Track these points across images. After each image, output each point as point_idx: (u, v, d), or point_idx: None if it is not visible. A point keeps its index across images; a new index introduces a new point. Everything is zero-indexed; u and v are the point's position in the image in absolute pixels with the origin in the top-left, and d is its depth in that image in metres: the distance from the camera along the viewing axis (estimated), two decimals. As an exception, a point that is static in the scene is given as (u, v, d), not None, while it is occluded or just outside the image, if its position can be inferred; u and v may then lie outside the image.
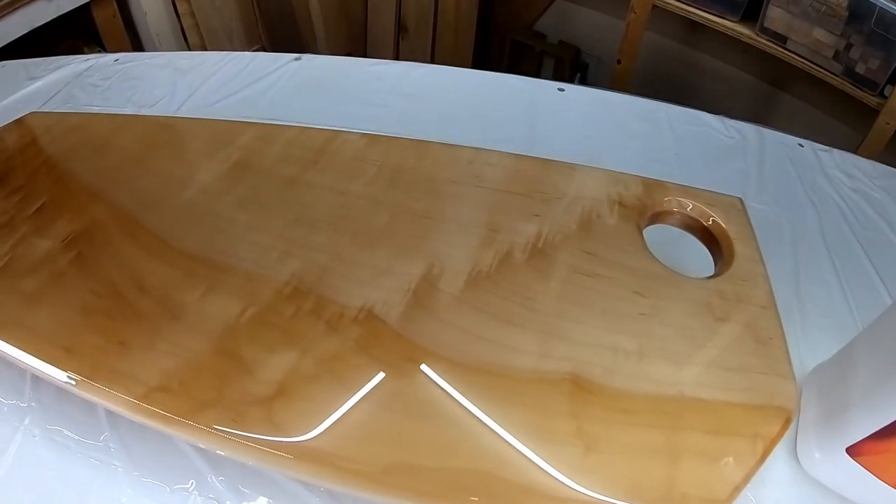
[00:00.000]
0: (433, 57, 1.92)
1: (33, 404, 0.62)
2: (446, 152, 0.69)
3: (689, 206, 0.65)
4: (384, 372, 0.51)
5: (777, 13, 1.48)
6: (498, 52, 2.06)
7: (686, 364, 0.52)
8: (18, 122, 0.87)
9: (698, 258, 0.65)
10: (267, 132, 0.72)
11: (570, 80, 1.97)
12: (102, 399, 0.51)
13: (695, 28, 1.70)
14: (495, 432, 0.48)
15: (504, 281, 0.57)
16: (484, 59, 2.04)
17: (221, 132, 0.73)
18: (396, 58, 1.90)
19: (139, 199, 0.66)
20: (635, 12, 1.54)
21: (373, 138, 0.71)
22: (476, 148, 0.69)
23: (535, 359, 0.52)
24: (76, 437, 0.59)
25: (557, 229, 0.61)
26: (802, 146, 0.94)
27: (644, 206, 0.64)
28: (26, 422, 0.60)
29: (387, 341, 0.52)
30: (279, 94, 1.00)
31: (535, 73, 2.06)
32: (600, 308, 0.55)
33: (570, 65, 1.96)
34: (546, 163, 0.69)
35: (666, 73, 1.89)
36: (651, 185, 0.67)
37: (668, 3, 1.49)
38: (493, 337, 0.53)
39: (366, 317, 0.54)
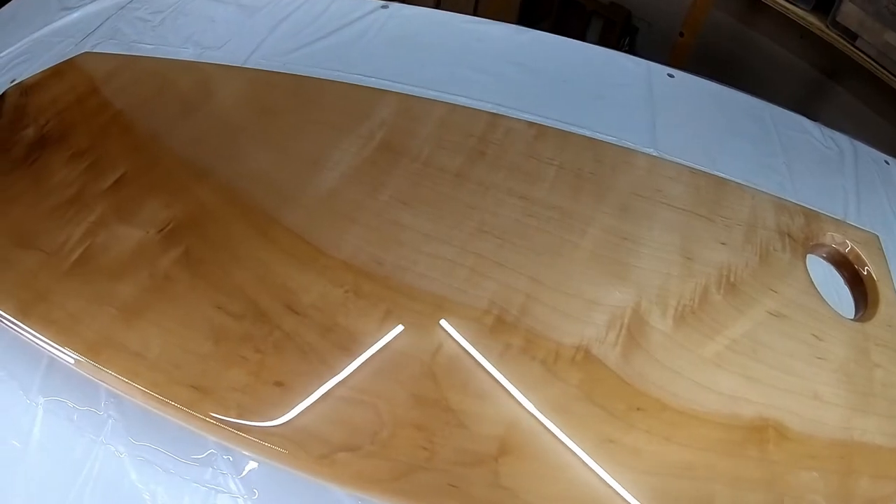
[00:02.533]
0: (477, 5, 1.72)
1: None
2: (622, 157, 0.60)
3: (845, 245, 0.61)
4: (613, 423, 0.42)
5: (851, 9, 1.36)
6: (546, 7, 1.86)
7: (855, 410, 0.49)
8: (70, 63, 0.68)
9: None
10: (410, 105, 0.56)
11: (619, 44, 1.80)
12: (272, 460, 0.39)
13: (756, 7, 1.57)
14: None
15: (707, 318, 0.51)
16: (530, 12, 1.84)
17: (352, 99, 0.57)
18: (437, 4, 1.68)
19: (260, 181, 0.51)
20: None
21: (540, 129, 0.58)
22: (649, 155, 0.61)
23: (732, 401, 0.46)
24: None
25: (743, 261, 0.56)
26: (888, 163, 0.87)
27: (806, 239, 0.60)
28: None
29: (610, 387, 0.44)
30: (371, 46, 0.83)
31: (582, 33, 1.88)
32: (787, 351, 0.51)
33: (619, 27, 1.80)
34: (720, 183, 0.62)
35: (719, 49, 1.76)
36: (811, 217, 0.63)
37: None
38: (704, 381, 0.47)
39: (584, 358, 0.45)
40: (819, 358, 0.50)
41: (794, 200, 0.66)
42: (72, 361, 0.46)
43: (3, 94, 0.69)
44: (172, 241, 0.47)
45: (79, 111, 0.62)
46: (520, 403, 0.42)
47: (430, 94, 0.75)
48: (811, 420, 0.46)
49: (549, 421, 0.41)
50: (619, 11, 1.80)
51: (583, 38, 1.95)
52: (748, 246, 0.57)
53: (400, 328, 0.44)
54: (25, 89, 0.69)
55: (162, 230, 0.48)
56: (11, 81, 0.85)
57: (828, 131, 0.89)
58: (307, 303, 0.44)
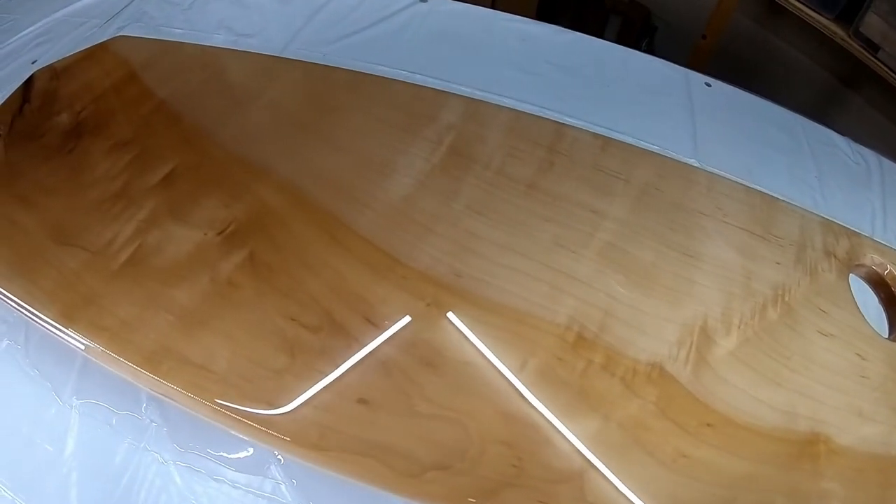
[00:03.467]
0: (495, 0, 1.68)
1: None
2: (684, 174, 0.58)
3: (884, 266, 0.61)
4: (686, 438, 0.42)
5: (874, 20, 1.34)
6: (564, 2, 1.83)
7: (893, 427, 0.49)
8: (103, 47, 0.63)
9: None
10: (475, 110, 0.53)
11: (638, 44, 1.77)
12: (360, 480, 0.36)
13: (777, 11, 1.55)
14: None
15: (766, 336, 0.51)
16: (548, 7, 1.81)
17: (415, 99, 0.54)
18: None
19: (326, 181, 0.48)
20: None
21: (605, 141, 0.57)
22: (708, 173, 0.60)
23: (787, 417, 0.47)
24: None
25: (795, 280, 0.56)
26: (914, 182, 0.88)
27: (849, 259, 0.60)
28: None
29: (683, 404, 0.44)
30: (413, 42, 0.79)
31: (600, 31, 1.84)
32: (835, 369, 0.51)
33: (638, 26, 1.76)
34: (773, 202, 0.62)
35: (737, 51, 1.74)
36: (853, 239, 0.63)
37: None
38: (763, 397, 0.47)
39: (659, 375, 0.45)
40: (862, 377, 0.51)
41: (825, 215, 0.66)
42: (121, 371, 0.42)
43: (31, 77, 0.64)
44: (234, 243, 0.43)
45: (117, 98, 0.57)
46: (602, 419, 0.41)
47: (478, 94, 0.72)
48: (856, 435, 0.47)
49: (629, 437, 0.41)
50: (638, 10, 1.76)
51: (601, 36, 1.93)
52: (799, 266, 0.58)
53: (484, 343, 0.42)
54: (56, 73, 0.63)
55: (222, 232, 0.44)
56: (32, 62, 0.79)
57: (855, 146, 0.88)
58: (387, 315, 0.41)
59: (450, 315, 0.43)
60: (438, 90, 0.55)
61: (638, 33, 1.75)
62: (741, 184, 0.63)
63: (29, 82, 0.64)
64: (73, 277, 0.45)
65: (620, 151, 0.57)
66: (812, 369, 0.51)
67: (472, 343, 0.42)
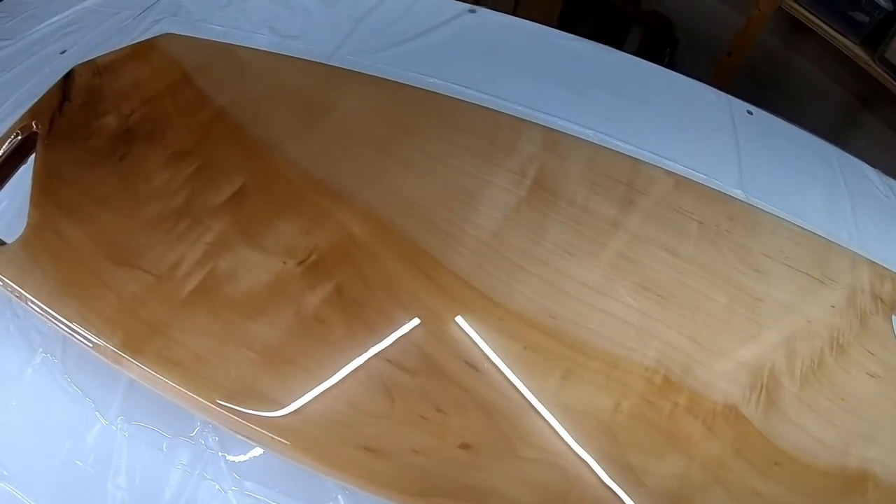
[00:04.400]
0: (518, 2, 1.65)
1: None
2: (752, 217, 0.58)
3: None
4: (759, 477, 0.43)
5: None
6: (587, 10, 1.81)
7: None
8: (150, 45, 0.58)
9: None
10: (556, 142, 0.51)
11: (660, 55, 1.76)
12: None
13: (800, 29, 1.55)
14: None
15: (824, 378, 0.52)
16: (571, 14, 1.78)
17: (495, 126, 0.51)
18: (477, 1, 1.61)
19: (412, 211, 0.45)
20: (759, 10, 1.37)
21: (678, 181, 0.56)
22: (777, 217, 0.61)
23: (841, 455, 0.48)
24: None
25: (847, 324, 0.56)
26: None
27: (893, 302, 0.61)
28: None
29: (756, 444, 0.44)
30: (465, 55, 0.75)
31: (621, 40, 1.82)
32: (882, 409, 0.53)
33: (660, 38, 1.75)
34: (828, 245, 0.63)
35: (758, 67, 1.74)
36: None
37: (794, 9, 1.33)
38: (822, 436, 0.48)
39: (735, 416, 0.45)
40: (908, 416, 0.52)
41: (858, 248, 0.67)
42: (193, 407, 0.38)
43: (71, 73, 0.58)
44: (319, 275, 0.40)
45: (171, 103, 0.52)
46: (687, 459, 0.42)
47: (532, 113, 0.69)
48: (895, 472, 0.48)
49: (710, 476, 0.41)
50: (660, 21, 1.74)
51: (622, 45, 1.90)
52: (850, 309, 0.59)
53: (580, 387, 0.41)
54: (98, 69, 0.58)
55: (303, 261, 0.40)
56: (61, 52, 0.73)
57: (886, 179, 0.89)
58: (486, 358, 0.39)
59: (547, 358, 0.41)
60: (517, 117, 0.52)
61: (660, 44, 1.74)
62: (798, 225, 0.64)
63: (68, 78, 0.58)
64: (136, 303, 0.40)
65: (692, 190, 0.57)
66: (862, 410, 0.52)
67: (569, 387, 0.41)
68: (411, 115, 0.50)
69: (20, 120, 0.56)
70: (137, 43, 0.59)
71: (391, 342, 0.38)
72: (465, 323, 0.40)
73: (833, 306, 0.57)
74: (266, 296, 0.39)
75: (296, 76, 0.53)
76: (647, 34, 1.73)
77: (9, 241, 0.49)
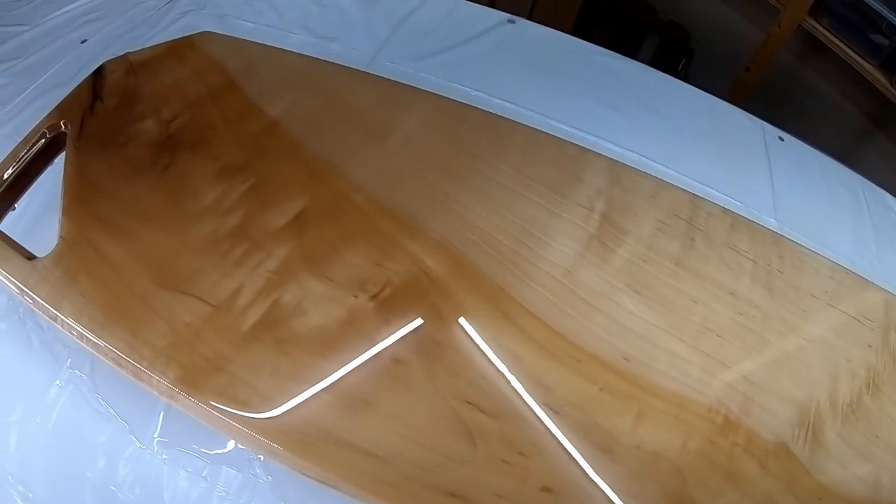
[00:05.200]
0: (534, 7, 1.62)
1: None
2: (799, 256, 0.59)
3: None
4: None
5: None
6: (603, 16, 1.79)
7: None
8: (187, 43, 0.54)
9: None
10: (620, 174, 0.51)
11: (675, 66, 1.76)
12: None
13: (817, 47, 1.57)
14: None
15: (862, 417, 0.53)
16: (588, 19, 1.77)
17: (560, 156, 0.50)
18: (492, 2, 1.58)
19: (485, 245, 0.43)
20: (780, 27, 1.38)
21: (734, 220, 0.55)
22: (820, 256, 0.62)
23: (875, 489, 0.49)
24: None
25: (882, 363, 0.57)
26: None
27: None
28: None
29: (803, 481, 0.46)
30: (504, 67, 0.73)
31: (636, 48, 1.82)
32: None
33: (676, 47, 1.74)
34: (864, 283, 0.65)
35: (773, 82, 1.76)
36: None
37: (815, 28, 1.35)
38: (859, 472, 0.50)
39: (785, 455, 0.46)
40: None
41: (882, 282, 0.67)
42: (259, 449, 0.35)
43: (101, 69, 0.54)
44: (394, 311, 0.37)
45: (216, 110, 0.49)
46: (742, 496, 0.42)
47: (579, 134, 0.68)
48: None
49: None
50: (677, 31, 1.73)
51: (637, 53, 1.88)
52: (884, 348, 0.60)
53: (653, 428, 0.41)
54: (132, 67, 0.53)
55: (376, 296, 0.38)
56: (82, 42, 0.68)
57: (908, 210, 0.91)
58: (564, 400, 0.38)
59: (621, 400, 0.40)
60: (583, 147, 0.51)
61: (675, 55, 1.73)
62: (838, 263, 0.65)
63: (98, 75, 0.54)
64: (192, 335, 0.37)
65: (746, 228, 0.58)
66: (893, 446, 0.53)
67: (641, 428, 0.40)
68: (475, 138, 0.48)
69: (47, 118, 0.51)
70: (174, 40, 0.55)
71: (472, 384, 0.36)
72: (543, 365, 0.39)
73: (870, 346, 0.59)
74: (338, 332, 0.36)
75: (351, 88, 0.50)
76: (662, 44, 1.72)
77: (37, 252, 0.46)
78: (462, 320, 0.38)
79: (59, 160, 0.52)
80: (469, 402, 0.35)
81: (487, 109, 0.58)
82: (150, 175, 0.46)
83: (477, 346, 0.38)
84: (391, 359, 0.36)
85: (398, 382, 0.35)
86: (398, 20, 0.75)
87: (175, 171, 0.46)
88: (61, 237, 0.45)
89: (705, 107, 0.84)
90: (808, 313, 0.58)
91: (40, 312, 0.43)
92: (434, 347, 0.37)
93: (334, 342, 0.36)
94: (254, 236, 0.40)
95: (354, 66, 0.60)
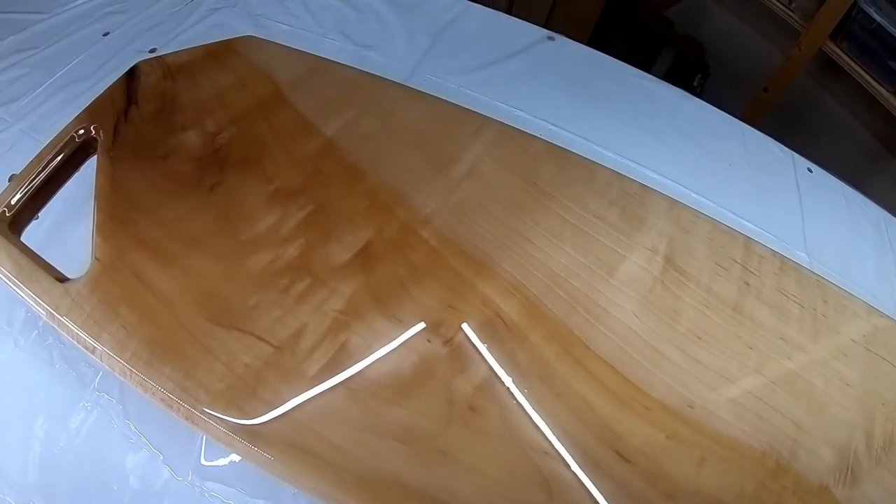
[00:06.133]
0: (551, 14, 1.61)
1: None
2: (841, 301, 0.60)
3: None
4: None
5: None
6: (620, 26, 1.80)
7: None
8: (229, 46, 0.51)
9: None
10: (680, 214, 0.51)
11: (690, 81, 1.79)
12: None
13: (833, 71, 1.59)
14: None
15: (894, 458, 0.54)
16: (605, 29, 1.77)
17: (623, 192, 0.50)
18: (509, 9, 1.56)
19: (558, 289, 0.43)
20: (800, 50, 1.40)
21: (783, 263, 0.56)
22: (865, 303, 0.63)
23: None
24: None
25: None
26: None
27: None
28: None
29: None
30: (546, 87, 0.71)
31: (651, 61, 1.82)
32: None
33: (691, 62, 1.75)
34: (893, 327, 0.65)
35: (787, 102, 1.78)
36: None
37: (835, 52, 1.37)
38: None
39: (828, 497, 0.47)
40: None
41: None
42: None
43: (135, 69, 0.50)
44: (468, 358, 0.35)
45: (267, 125, 0.46)
46: None
47: (623, 162, 0.68)
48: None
49: None
50: (693, 46, 1.73)
51: (651, 66, 1.86)
52: None
53: (713, 474, 0.41)
54: (169, 70, 0.50)
55: (449, 340, 0.36)
56: (104, 35, 0.64)
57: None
58: (635, 448, 0.37)
59: (686, 447, 0.40)
60: (646, 186, 0.51)
61: (690, 70, 1.73)
62: (875, 308, 0.66)
63: (132, 76, 0.50)
64: (253, 378, 0.35)
65: (793, 272, 0.59)
66: None
67: (703, 473, 0.41)
68: (539, 169, 0.46)
69: (76, 120, 0.48)
70: (214, 44, 0.52)
71: (548, 434, 0.35)
72: (615, 413, 0.38)
73: (903, 388, 0.61)
74: (411, 378, 0.35)
75: (409, 108, 0.48)
76: (678, 58, 1.72)
77: (55, 263, 0.42)
78: (537, 368, 0.37)
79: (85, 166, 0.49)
80: (546, 452, 0.34)
81: (533, 132, 0.57)
82: (195, 194, 0.43)
83: (553, 394, 0.36)
84: (467, 407, 0.34)
85: (475, 432, 0.34)
86: (437, 30, 0.73)
87: (224, 192, 0.43)
88: (96, 258, 0.41)
89: (739, 135, 0.84)
90: (848, 357, 0.59)
91: (74, 342, 0.40)
92: (510, 396, 0.35)
93: (408, 389, 0.34)
94: (316, 270, 0.38)
95: (395, 79, 0.58)
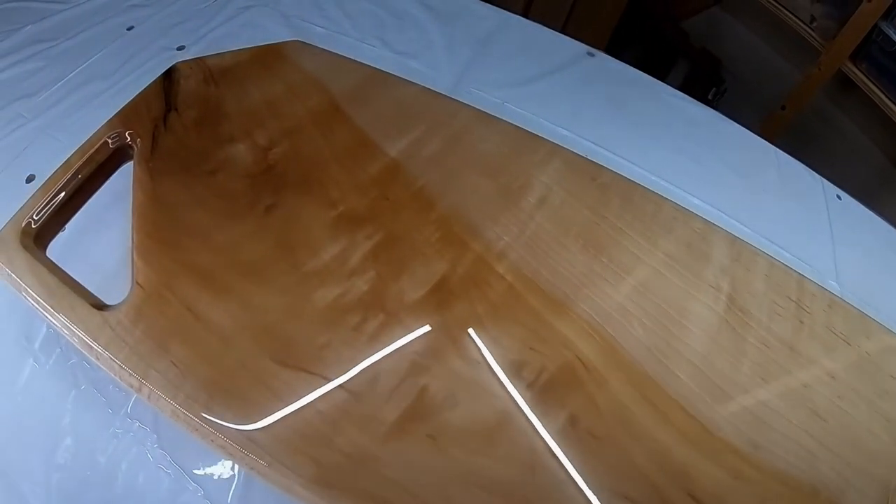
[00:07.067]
0: (568, 20, 1.61)
1: None
2: (883, 339, 0.61)
3: None
4: None
5: None
6: (637, 35, 1.81)
7: None
8: (276, 51, 0.49)
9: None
10: (739, 252, 0.51)
11: (705, 93, 1.80)
12: None
13: (848, 89, 1.63)
14: None
15: None
16: (622, 37, 1.79)
17: (688, 229, 0.49)
18: (526, 12, 1.55)
19: (632, 328, 0.42)
20: (820, 69, 1.43)
21: (831, 300, 0.57)
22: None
23: None
24: None
25: None
26: None
27: None
28: None
29: None
30: (587, 106, 0.71)
31: (666, 72, 1.80)
32: None
33: (706, 75, 1.78)
34: None
35: (800, 119, 1.82)
36: None
37: (854, 73, 1.40)
38: None
39: None
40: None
41: None
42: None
43: (172, 71, 0.47)
44: (552, 401, 0.34)
45: (325, 142, 0.43)
46: None
47: (667, 187, 0.68)
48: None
49: None
50: (708, 59, 1.76)
51: (666, 76, 1.86)
52: None
53: None
54: (211, 73, 0.47)
55: (532, 383, 0.35)
56: (128, 29, 0.60)
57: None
58: (706, 490, 0.37)
59: (750, 488, 0.41)
60: (709, 222, 0.52)
61: (705, 82, 1.75)
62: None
63: (169, 78, 0.47)
64: (327, 426, 0.32)
65: (840, 309, 0.60)
66: None
67: None
68: (608, 202, 0.46)
69: (108, 125, 0.44)
70: (259, 47, 0.49)
71: (624, 477, 0.34)
72: (689, 455, 0.38)
73: (937, 429, 0.63)
74: (496, 425, 0.33)
75: (474, 130, 0.46)
76: (693, 69, 1.75)
77: (88, 283, 0.39)
78: (617, 412, 0.36)
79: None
80: (627, 497, 0.34)
81: (579, 152, 0.57)
82: (250, 217, 0.40)
83: (631, 437, 0.36)
84: (550, 453, 0.33)
85: (558, 479, 0.32)
86: (477, 41, 0.72)
87: (282, 215, 0.40)
88: (138, 284, 0.38)
89: (773, 159, 0.85)
90: (889, 394, 0.60)
91: (116, 378, 0.37)
92: (591, 441, 0.35)
93: (491, 436, 0.33)
94: (389, 307, 0.36)
95: (438, 90, 0.57)
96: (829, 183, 0.90)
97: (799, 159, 0.94)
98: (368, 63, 0.56)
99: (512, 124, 0.48)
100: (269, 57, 0.49)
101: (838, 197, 0.90)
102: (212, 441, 0.34)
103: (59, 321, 0.38)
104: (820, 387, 0.54)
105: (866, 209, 0.94)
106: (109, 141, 0.44)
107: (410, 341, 0.36)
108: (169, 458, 0.41)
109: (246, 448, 0.33)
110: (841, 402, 0.54)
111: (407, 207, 0.41)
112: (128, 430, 0.42)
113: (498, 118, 0.49)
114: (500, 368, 0.36)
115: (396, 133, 0.45)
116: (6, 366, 0.46)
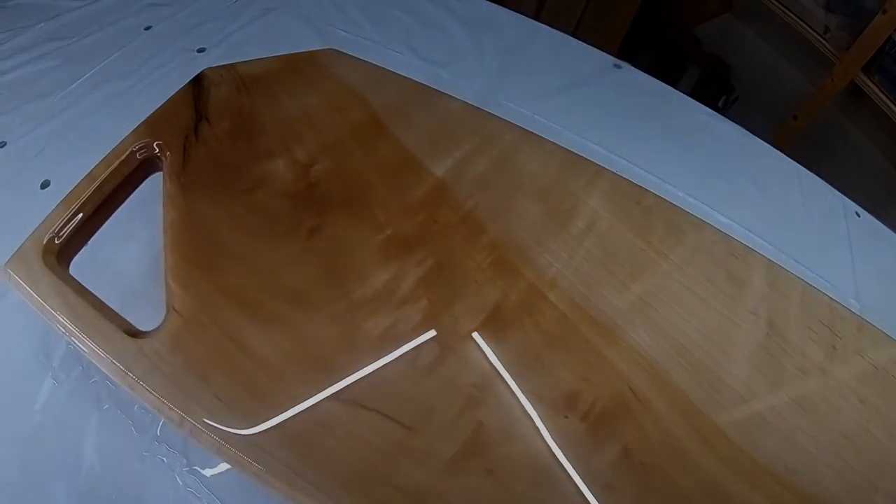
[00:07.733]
0: (579, 25, 1.61)
1: None
2: None
3: None
4: None
5: None
6: (648, 41, 1.82)
7: None
8: (311, 60, 0.48)
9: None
10: (776, 276, 0.52)
11: (715, 100, 1.78)
12: None
13: (858, 100, 1.66)
14: None
15: None
16: (633, 42, 1.80)
17: (728, 254, 0.50)
18: (537, 15, 1.54)
19: (680, 357, 0.43)
20: (832, 80, 1.46)
21: (859, 324, 0.58)
22: None
23: None
24: None
25: None
26: None
27: None
28: None
29: None
30: (615, 118, 0.71)
31: (677, 78, 1.74)
32: None
33: (716, 82, 1.79)
34: None
35: (810, 129, 1.85)
36: None
37: (866, 85, 1.42)
38: None
39: None
40: None
41: None
42: None
43: (201, 77, 0.45)
44: (603, 432, 0.35)
45: (368, 160, 0.42)
46: None
47: (701, 207, 0.69)
48: None
49: None
50: (718, 65, 1.77)
51: (677, 82, 1.86)
52: None
53: None
54: (243, 82, 0.46)
55: (586, 415, 0.35)
56: (146, 28, 0.58)
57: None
58: None
59: None
60: (744, 245, 0.53)
61: (715, 89, 1.77)
62: None
63: (198, 86, 0.45)
64: (383, 462, 0.32)
65: (869, 332, 0.61)
66: None
67: None
68: (653, 227, 0.46)
69: (133, 135, 0.43)
70: (292, 55, 0.48)
71: None
72: (735, 485, 0.39)
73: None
74: (552, 458, 0.33)
75: (521, 150, 0.45)
76: (703, 76, 1.76)
77: (108, 299, 0.38)
78: (668, 444, 0.37)
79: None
80: None
81: (611, 168, 0.57)
82: (293, 239, 0.39)
83: (681, 469, 0.36)
84: (605, 485, 0.33)
85: None
86: (506, 51, 0.72)
87: (327, 238, 0.39)
88: (174, 309, 0.37)
89: (795, 177, 0.87)
90: (914, 423, 0.63)
91: (155, 411, 0.35)
92: (643, 471, 0.35)
93: (551, 470, 0.33)
94: (444, 338, 0.36)
95: (468, 100, 0.56)
96: (848, 200, 0.92)
97: (810, 169, 0.96)
98: (396, 70, 0.55)
99: (557, 144, 0.48)
100: (303, 65, 0.47)
101: (857, 214, 0.92)
102: (254, 475, 0.33)
103: (87, 347, 0.36)
104: (851, 412, 0.55)
105: (883, 225, 0.96)
106: (135, 151, 0.42)
107: (464, 373, 0.35)
108: (200, 483, 0.40)
109: (296, 486, 0.32)
110: (871, 427, 0.55)
111: (456, 231, 0.40)
112: (155, 453, 0.40)
113: (542, 137, 0.49)
114: (555, 400, 0.35)
115: (441, 151, 0.44)
116: (24, 384, 0.44)
